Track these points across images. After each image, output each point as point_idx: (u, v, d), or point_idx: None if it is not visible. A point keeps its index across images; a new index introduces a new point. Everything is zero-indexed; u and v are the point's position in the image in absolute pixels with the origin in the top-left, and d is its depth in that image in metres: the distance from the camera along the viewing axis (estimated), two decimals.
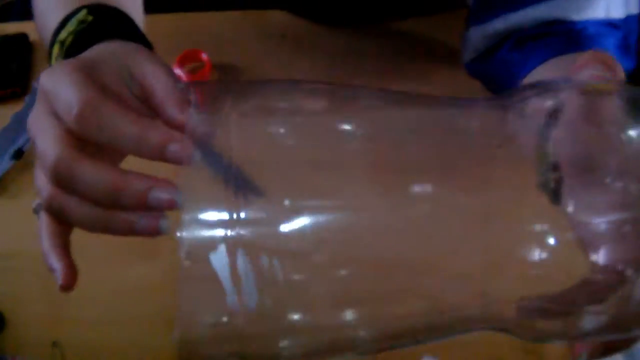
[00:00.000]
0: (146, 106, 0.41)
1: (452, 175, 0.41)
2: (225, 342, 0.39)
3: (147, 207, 0.38)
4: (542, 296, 0.39)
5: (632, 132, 0.38)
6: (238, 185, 0.38)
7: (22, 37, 0.81)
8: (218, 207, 0.37)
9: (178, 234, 0.37)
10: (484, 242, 0.39)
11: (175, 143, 0.38)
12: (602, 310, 0.39)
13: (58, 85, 0.40)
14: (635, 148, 0.38)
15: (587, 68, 0.42)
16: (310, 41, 0.81)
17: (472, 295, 0.40)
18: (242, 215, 0.37)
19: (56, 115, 0.40)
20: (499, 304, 0.39)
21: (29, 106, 0.74)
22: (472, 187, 0.40)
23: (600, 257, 0.37)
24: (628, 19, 0.63)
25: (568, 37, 0.61)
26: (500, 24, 0.65)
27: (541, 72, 0.60)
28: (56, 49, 0.50)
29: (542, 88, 0.41)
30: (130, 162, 0.42)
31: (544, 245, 0.38)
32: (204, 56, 0.77)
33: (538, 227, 0.38)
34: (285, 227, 0.38)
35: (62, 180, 0.39)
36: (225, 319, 0.38)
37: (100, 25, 0.49)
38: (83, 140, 0.39)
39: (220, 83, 0.47)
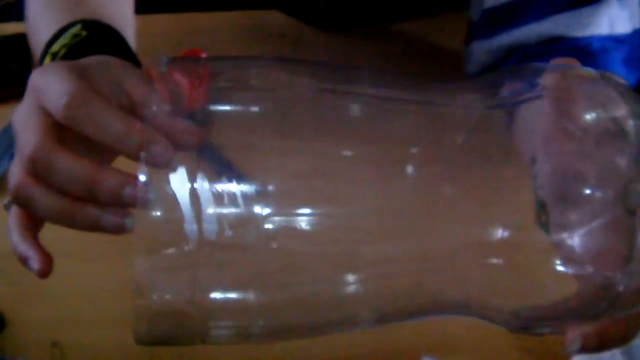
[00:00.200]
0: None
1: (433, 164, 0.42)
2: (180, 272, 0.38)
3: (120, 203, 0.38)
4: (534, 307, 0.40)
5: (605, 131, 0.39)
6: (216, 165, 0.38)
7: (22, 37, 0.80)
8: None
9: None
10: (452, 230, 0.40)
11: (158, 145, 0.38)
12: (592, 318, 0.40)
13: (50, 81, 0.40)
14: (608, 152, 0.38)
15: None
16: (309, 41, 0.81)
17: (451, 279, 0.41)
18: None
19: (43, 111, 0.40)
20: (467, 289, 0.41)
21: None
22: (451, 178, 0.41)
23: (587, 269, 0.38)
24: (634, 33, 0.63)
25: (572, 53, 0.61)
26: (504, 39, 0.66)
27: None
28: (47, 61, 0.50)
29: (518, 76, 0.42)
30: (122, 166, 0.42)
31: (505, 231, 0.39)
32: (204, 56, 0.77)
33: (503, 217, 0.39)
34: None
35: (38, 168, 0.39)
36: (183, 246, 0.38)
37: (94, 41, 0.50)
38: (66, 134, 0.39)
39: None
